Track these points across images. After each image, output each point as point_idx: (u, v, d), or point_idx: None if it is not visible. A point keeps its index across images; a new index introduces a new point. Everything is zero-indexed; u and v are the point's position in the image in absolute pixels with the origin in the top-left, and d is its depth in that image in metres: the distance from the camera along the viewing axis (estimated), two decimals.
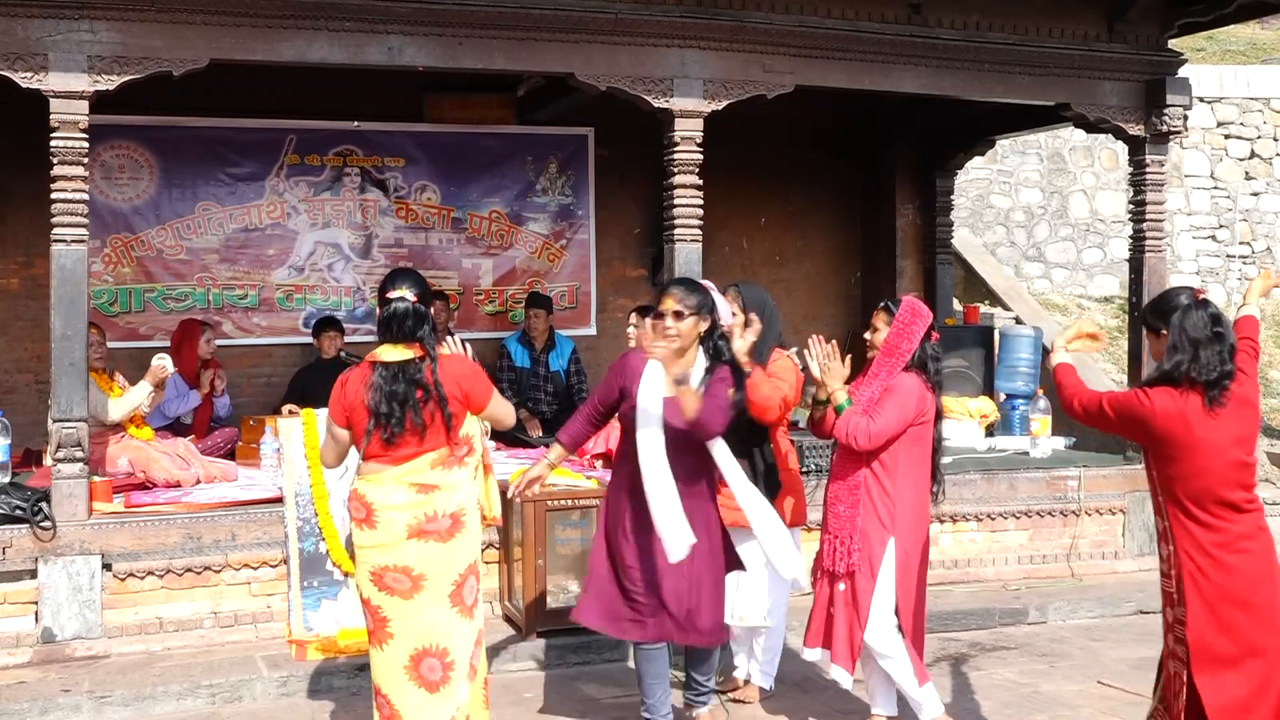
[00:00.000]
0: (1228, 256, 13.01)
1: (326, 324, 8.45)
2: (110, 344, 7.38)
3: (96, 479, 6.14)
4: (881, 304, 5.04)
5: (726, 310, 4.85)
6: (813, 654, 4.98)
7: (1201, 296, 3.87)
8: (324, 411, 6.62)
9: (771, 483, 5.17)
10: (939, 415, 4.89)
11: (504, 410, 4.43)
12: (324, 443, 4.42)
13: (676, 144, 6.83)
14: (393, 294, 4.22)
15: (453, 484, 4.21)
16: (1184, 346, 3.75)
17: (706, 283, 4.84)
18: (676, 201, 6.87)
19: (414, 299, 4.21)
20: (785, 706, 5.43)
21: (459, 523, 4.20)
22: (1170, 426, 3.74)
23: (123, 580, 5.97)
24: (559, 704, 5.46)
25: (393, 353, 4.19)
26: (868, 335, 5.02)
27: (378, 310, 4.31)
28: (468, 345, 4.62)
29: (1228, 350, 3.77)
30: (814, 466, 7.00)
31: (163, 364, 6.84)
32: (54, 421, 5.92)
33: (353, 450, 4.38)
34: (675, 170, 6.85)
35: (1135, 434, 3.90)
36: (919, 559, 4.84)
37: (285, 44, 6.22)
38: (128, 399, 6.75)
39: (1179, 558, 3.82)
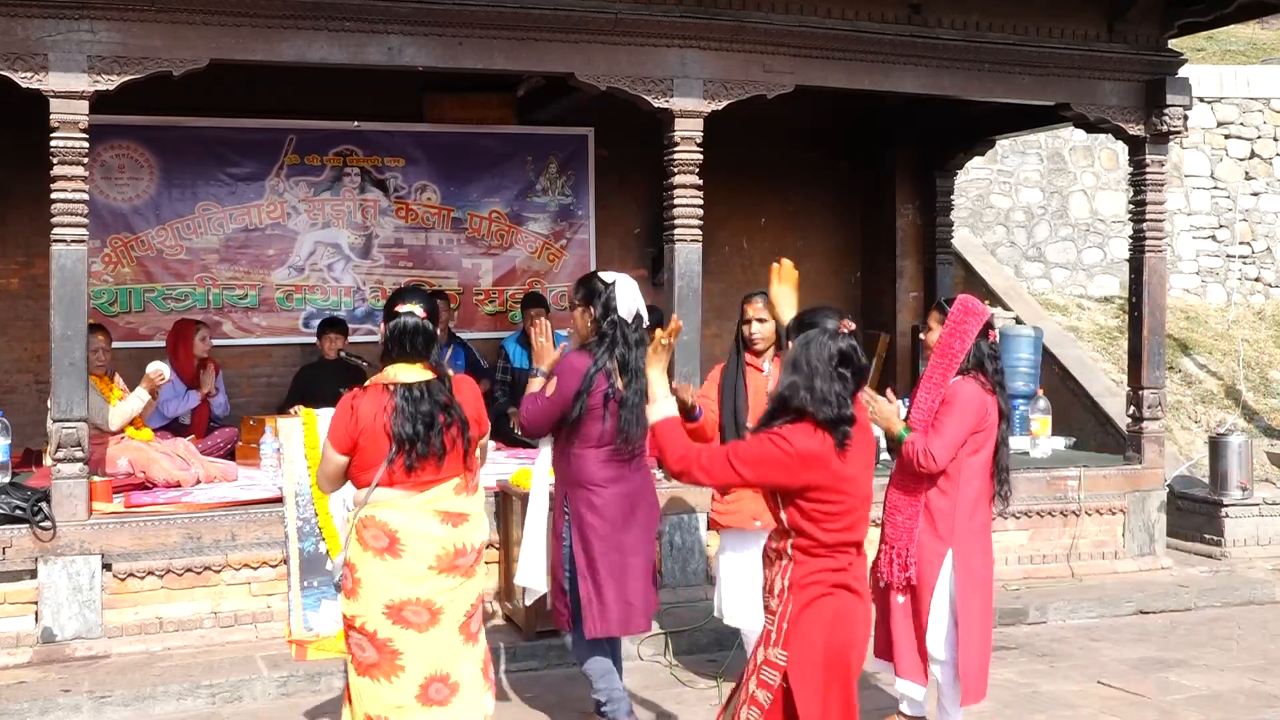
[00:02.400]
0: (1228, 256, 13.00)
1: (330, 325, 8.45)
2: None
3: (96, 479, 6.14)
4: (935, 303, 4.98)
5: (628, 302, 4.74)
6: (883, 665, 4.94)
7: (845, 329, 3.50)
8: (325, 412, 6.62)
9: None
10: (1002, 415, 4.70)
11: (488, 443, 4.42)
12: (322, 470, 4.12)
13: (676, 144, 6.83)
14: (402, 307, 4.05)
15: (478, 513, 4.10)
16: (804, 373, 3.38)
17: (610, 275, 4.81)
18: (676, 201, 6.87)
19: (423, 315, 4.07)
20: None
21: (480, 557, 4.10)
22: (812, 468, 3.32)
23: (123, 580, 5.96)
24: (559, 704, 5.46)
25: (410, 373, 4.01)
26: (922, 335, 4.98)
27: (382, 326, 4.13)
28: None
29: (848, 393, 3.41)
30: None
31: (159, 370, 6.84)
32: (54, 421, 5.92)
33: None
34: (675, 170, 6.85)
35: (778, 479, 3.35)
36: (981, 569, 4.69)
37: (285, 44, 6.22)
38: (126, 407, 6.76)
39: (792, 593, 3.38)
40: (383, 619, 3.95)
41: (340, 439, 3.99)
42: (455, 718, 4.06)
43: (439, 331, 4.24)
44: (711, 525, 5.40)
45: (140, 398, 6.80)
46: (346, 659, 4.10)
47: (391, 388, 3.98)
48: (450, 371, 4.22)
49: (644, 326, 4.78)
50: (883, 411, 4.64)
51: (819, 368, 3.38)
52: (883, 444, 5.05)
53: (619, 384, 4.66)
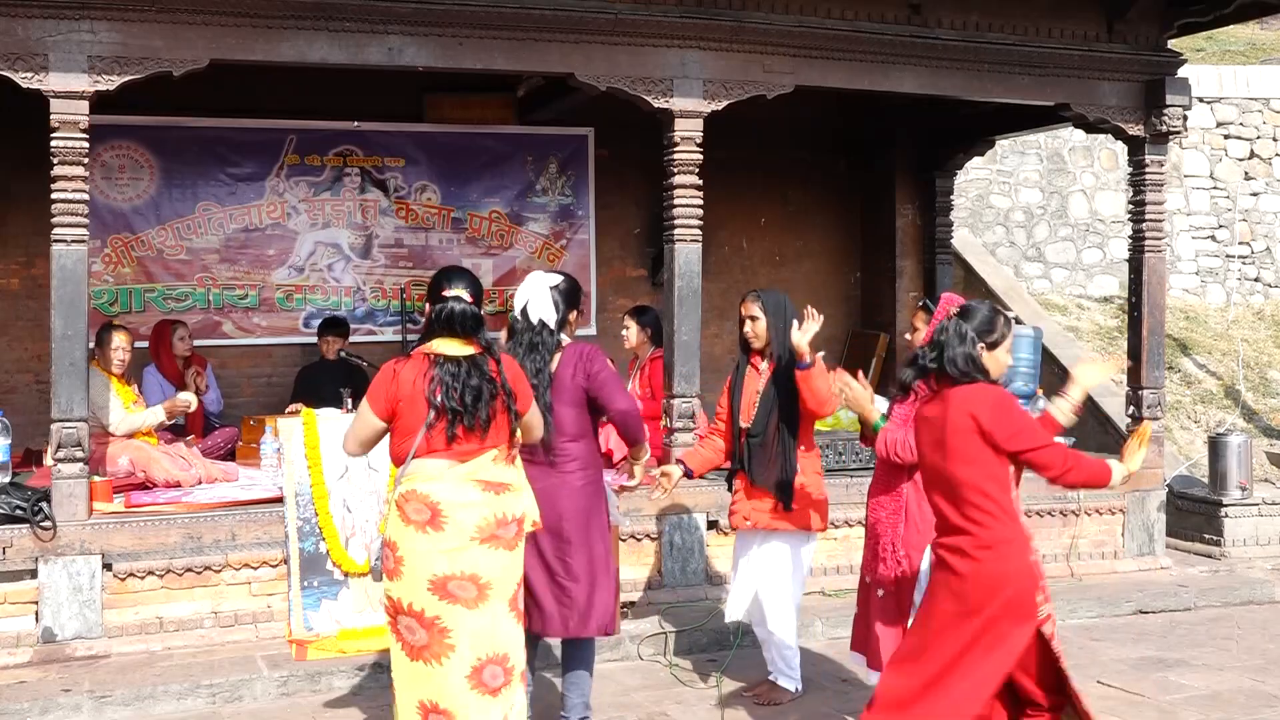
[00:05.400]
0: (1227, 256, 13.01)
1: (329, 327, 8.45)
2: None
3: (97, 479, 6.14)
4: (920, 303, 4.99)
5: (542, 305, 4.69)
6: (857, 658, 5.01)
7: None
8: (326, 411, 6.65)
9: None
10: None
11: (538, 418, 4.31)
12: (353, 429, 4.11)
13: (676, 144, 6.83)
14: (449, 291, 4.05)
15: (520, 484, 4.05)
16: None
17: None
18: (676, 201, 6.88)
19: (470, 299, 4.05)
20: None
21: (522, 530, 4.04)
22: None
23: (123, 580, 5.97)
24: (558, 702, 5.45)
25: (453, 347, 4.00)
26: (908, 336, 4.98)
27: (427, 307, 4.14)
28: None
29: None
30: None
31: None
32: (54, 421, 5.92)
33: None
34: (675, 170, 6.86)
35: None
36: None
37: (285, 44, 6.23)
38: (138, 419, 6.89)
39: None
40: (429, 596, 3.90)
41: (379, 402, 4.02)
42: (496, 709, 3.98)
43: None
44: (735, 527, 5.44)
45: (156, 415, 6.94)
46: (393, 646, 4.03)
47: (433, 357, 3.99)
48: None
49: (544, 320, 4.67)
50: (856, 396, 4.64)
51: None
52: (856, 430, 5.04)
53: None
